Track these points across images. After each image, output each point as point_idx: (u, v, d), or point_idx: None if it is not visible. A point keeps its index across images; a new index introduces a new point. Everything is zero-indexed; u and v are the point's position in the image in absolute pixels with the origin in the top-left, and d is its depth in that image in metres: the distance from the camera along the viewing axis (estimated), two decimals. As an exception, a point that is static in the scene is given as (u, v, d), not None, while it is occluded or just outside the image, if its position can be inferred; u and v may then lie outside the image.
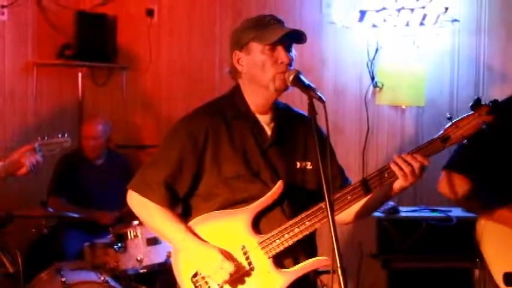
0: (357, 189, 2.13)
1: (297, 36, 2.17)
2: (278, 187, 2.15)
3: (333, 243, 1.85)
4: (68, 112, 4.88)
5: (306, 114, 2.08)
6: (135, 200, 2.25)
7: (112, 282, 3.43)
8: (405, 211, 4.03)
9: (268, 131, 2.24)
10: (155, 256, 3.74)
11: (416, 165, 2.07)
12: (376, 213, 3.88)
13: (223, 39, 4.82)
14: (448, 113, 2.21)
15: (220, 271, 2.10)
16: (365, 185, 2.13)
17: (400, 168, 2.07)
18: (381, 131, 4.65)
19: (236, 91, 2.28)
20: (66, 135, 3.49)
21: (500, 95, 4.29)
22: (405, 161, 2.08)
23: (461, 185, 2.70)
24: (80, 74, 4.83)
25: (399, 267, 3.92)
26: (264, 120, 2.25)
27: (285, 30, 2.14)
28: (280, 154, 2.23)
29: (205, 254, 2.14)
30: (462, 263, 3.94)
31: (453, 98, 4.53)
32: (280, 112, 2.28)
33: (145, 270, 3.72)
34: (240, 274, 2.13)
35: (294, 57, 2.19)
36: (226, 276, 2.10)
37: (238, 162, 2.17)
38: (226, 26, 4.82)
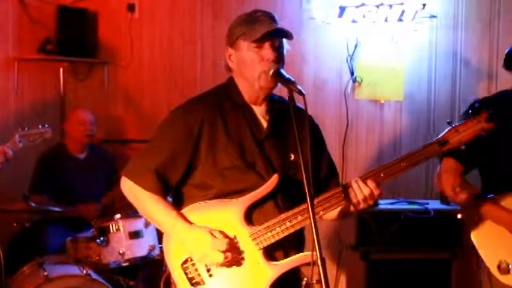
0: (330, 199, 2.17)
1: (283, 32, 2.18)
2: (273, 180, 2.16)
3: (312, 235, 1.89)
4: (50, 107, 4.87)
5: (301, 107, 2.09)
6: (127, 186, 2.26)
7: (94, 276, 3.45)
8: (384, 204, 4.09)
9: (264, 123, 2.26)
10: (137, 249, 3.77)
11: (367, 193, 2.13)
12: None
13: (204, 33, 4.85)
14: (448, 119, 2.25)
15: (212, 253, 2.11)
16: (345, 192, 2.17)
17: (354, 194, 2.15)
18: (360, 125, 4.70)
19: (231, 82, 2.29)
20: (46, 125, 3.51)
21: (476, 89, 4.41)
22: (359, 187, 2.13)
23: (453, 178, 2.76)
24: (61, 69, 4.83)
25: (378, 258, 3.97)
26: (260, 111, 2.26)
27: (268, 27, 2.14)
28: (275, 146, 2.25)
29: (196, 237, 2.14)
30: (440, 254, 4.01)
31: (431, 93, 4.59)
32: (275, 104, 2.29)
33: (127, 264, 3.75)
34: (230, 263, 2.14)
35: (285, 51, 2.21)
36: (220, 258, 2.11)
37: (233, 153, 2.19)
38: (207, 21, 4.84)
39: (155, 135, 2.28)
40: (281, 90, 2.25)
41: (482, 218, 2.73)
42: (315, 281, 1.92)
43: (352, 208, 2.20)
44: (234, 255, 2.15)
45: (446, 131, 2.18)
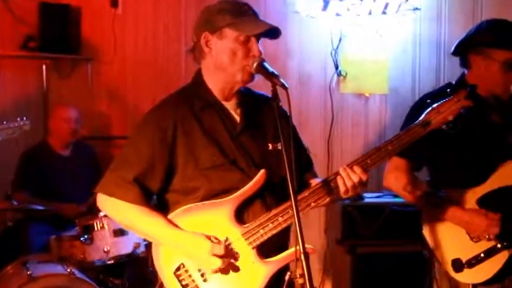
0: (321, 189, 2.15)
1: (272, 32, 2.15)
2: (260, 176, 2.13)
3: (296, 230, 1.86)
4: (33, 105, 4.80)
5: (269, 95, 2.06)
6: (106, 203, 2.17)
7: (78, 274, 3.41)
8: (369, 197, 4.10)
9: (237, 117, 2.22)
10: (122, 247, 3.75)
11: (356, 180, 2.10)
12: (341, 200, 3.95)
13: (188, 29, 4.81)
14: (428, 99, 2.25)
15: (211, 259, 2.07)
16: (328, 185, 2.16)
17: (344, 182, 2.12)
18: (345, 119, 4.71)
19: (199, 79, 2.24)
20: (25, 118, 3.49)
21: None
22: (348, 175, 2.11)
23: (404, 177, 2.74)
24: (44, 66, 4.78)
25: (363, 252, 3.99)
26: (231, 106, 2.23)
27: (266, 26, 2.12)
28: (252, 138, 2.22)
29: (193, 244, 2.09)
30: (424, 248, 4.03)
31: (415, 85, 4.61)
32: (245, 97, 2.26)
33: (112, 262, 3.73)
34: (226, 267, 2.10)
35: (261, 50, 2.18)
36: (218, 263, 2.07)
37: (213, 151, 2.14)
38: (191, 16, 4.81)
39: (128, 144, 2.22)
40: (258, 85, 2.24)
41: (436, 217, 2.71)
42: (298, 275, 1.89)
43: (340, 195, 2.17)
44: (232, 258, 2.12)
45: (427, 112, 2.18)
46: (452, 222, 2.67)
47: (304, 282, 1.83)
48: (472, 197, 2.67)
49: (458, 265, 2.64)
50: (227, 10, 2.15)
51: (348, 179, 2.11)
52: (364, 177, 2.12)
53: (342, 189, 2.13)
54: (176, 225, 2.14)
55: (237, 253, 2.13)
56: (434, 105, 2.18)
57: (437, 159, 2.77)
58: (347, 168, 2.12)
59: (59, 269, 3.43)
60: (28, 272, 3.30)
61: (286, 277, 2.12)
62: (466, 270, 2.63)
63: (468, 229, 2.65)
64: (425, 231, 2.75)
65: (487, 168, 2.66)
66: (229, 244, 2.12)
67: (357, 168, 2.12)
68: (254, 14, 2.18)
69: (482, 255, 2.62)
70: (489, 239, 2.62)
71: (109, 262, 3.72)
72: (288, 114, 2.05)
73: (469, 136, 2.66)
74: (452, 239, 2.67)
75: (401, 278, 4.01)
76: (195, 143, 2.15)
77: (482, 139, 2.71)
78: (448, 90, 2.24)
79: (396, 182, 2.77)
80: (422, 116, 2.19)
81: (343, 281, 4.04)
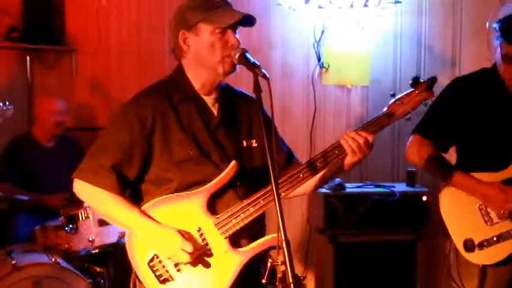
0: (309, 167, 2.17)
1: (247, 20, 2.17)
2: (232, 167, 2.16)
3: (277, 219, 1.88)
4: (17, 96, 4.75)
5: (248, 94, 2.11)
6: (82, 189, 2.20)
7: (63, 264, 3.44)
8: (351, 187, 4.15)
9: (214, 111, 2.25)
10: (107, 236, 3.77)
11: (361, 141, 2.13)
12: (323, 190, 3.99)
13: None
14: (391, 91, 2.31)
15: (180, 253, 2.10)
16: (316, 163, 2.18)
17: (349, 145, 2.14)
18: (328, 110, 4.75)
19: (179, 72, 2.26)
20: (7, 103, 3.43)
21: (440, 73, 4.48)
22: (352, 138, 2.14)
23: (427, 150, 2.81)
24: (28, 57, 4.76)
25: (346, 241, 4.03)
26: (209, 100, 2.25)
27: (239, 15, 2.14)
28: (227, 134, 2.25)
29: (164, 237, 2.12)
30: (405, 236, 4.10)
31: (396, 77, 4.66)
32: (224, 92, 2.29)
33: (97, 251, 3.74)
34: (197, 256, 2.14)
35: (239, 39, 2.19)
36: (187, 258, 2.11)
37: (188, 144, 2.17)
38: (175, 7, 4.79)
39: (106, 132, 2.24)
40: (238, 77, 2.27)
41: (454, 192, 2.78)
42: (279, 262, 1.90)
43: (347, 161, 2.20)
44: (202, 251, 2.15)
45: (391, 103, 2.25)
46: (470, 194, 2.72)
47: (286, 270, 1.84)
48: (494, 180, 2.73)
49: (469, 245, 2.72)
50: (199, 5, 2.17)
51: (352, 141, 2.14)
52: (370, 138, 2.14)
53: (347, 150, 2.15)
54: (149, 216, 2.16)
55: (209, 244, 2.16)
56: (398, 97, 2.25)
57: (463, 143, 2.84)
58: (351, 132, 2.15)
59: (43, 258, 3.44)
60: (13, 262, 3.30)
61: (268, 264, 2.13)
62: (476, 251, 2.71)
63: (484, 200, 2.71)
64: (442, 209, 2.83)
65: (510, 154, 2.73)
66: (201, 234, 2.16)
67: (361, 132, 2.15)
68: (227, 4, 2.19)
69: (494, 238, 2.70)
70: (502, 216, 2.68)
71: (94, 251, 3.73)
72: (270, 105, 2.02)
73: (495, 122, 2.74)
74: (467, 219, 2.75)
75: (383, 266, 4.07)
76: (171, 135, 2.17)
77: (508, 126, 2.77)
78: (410, 82, 2.30)
79: (418, 154, 2.84)
80: (387, 107, 2.25)
81: (326, 270, 4.08)
